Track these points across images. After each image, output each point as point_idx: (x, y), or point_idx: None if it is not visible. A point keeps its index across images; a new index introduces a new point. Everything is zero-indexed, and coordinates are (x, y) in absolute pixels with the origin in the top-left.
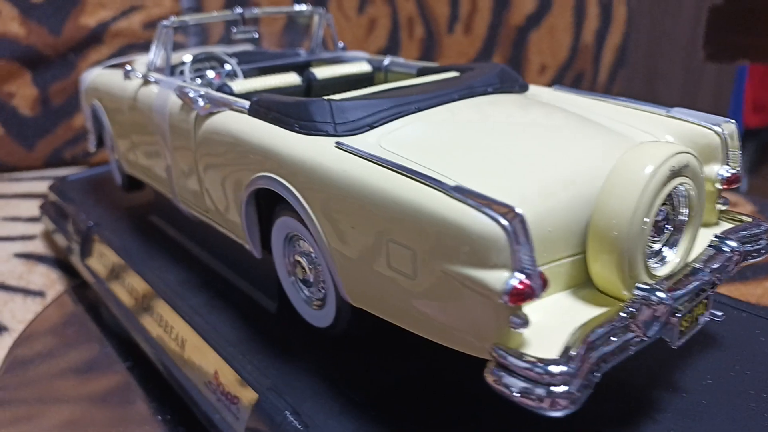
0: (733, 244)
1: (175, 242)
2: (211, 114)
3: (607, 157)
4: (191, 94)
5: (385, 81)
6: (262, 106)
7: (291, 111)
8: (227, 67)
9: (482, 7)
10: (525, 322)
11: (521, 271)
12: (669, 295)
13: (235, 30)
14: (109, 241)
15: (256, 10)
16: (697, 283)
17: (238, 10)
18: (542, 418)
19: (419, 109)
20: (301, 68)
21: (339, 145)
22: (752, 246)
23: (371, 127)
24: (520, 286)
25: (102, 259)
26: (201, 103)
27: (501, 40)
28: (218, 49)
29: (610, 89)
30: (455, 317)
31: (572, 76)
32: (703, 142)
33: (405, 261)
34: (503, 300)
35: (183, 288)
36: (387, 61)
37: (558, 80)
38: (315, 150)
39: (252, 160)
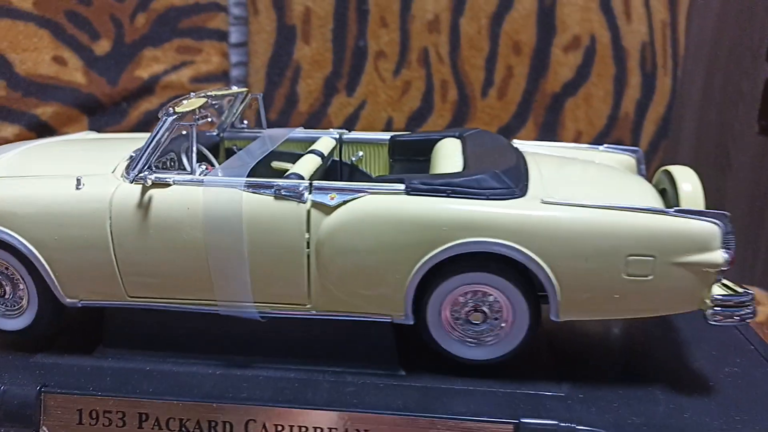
0: None
1: (196, 362)
2: (344, 203)
3: (642, 180)
4: (291, 187)
5: (339, 152)
6: (429, 185)
7: (473, 185)
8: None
9: (518, 73)
10: (721, 278)
11: (727, 248)
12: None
13: (196, 116)
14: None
15: (210, 94)
16: None
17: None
18: None
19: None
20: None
21: (546, 201)
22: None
23: (527, 187)
24: (731, 258)
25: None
26: (304, 193)
27: (536, 105)
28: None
29: (652, 158)
30: (680, 291)
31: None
32: (627, 163)
33: (644, 266)
34: (724, 268)
35: (288, 397)
36: (336, 134)
37: None
38: (530, 209)
39: (437, 234)
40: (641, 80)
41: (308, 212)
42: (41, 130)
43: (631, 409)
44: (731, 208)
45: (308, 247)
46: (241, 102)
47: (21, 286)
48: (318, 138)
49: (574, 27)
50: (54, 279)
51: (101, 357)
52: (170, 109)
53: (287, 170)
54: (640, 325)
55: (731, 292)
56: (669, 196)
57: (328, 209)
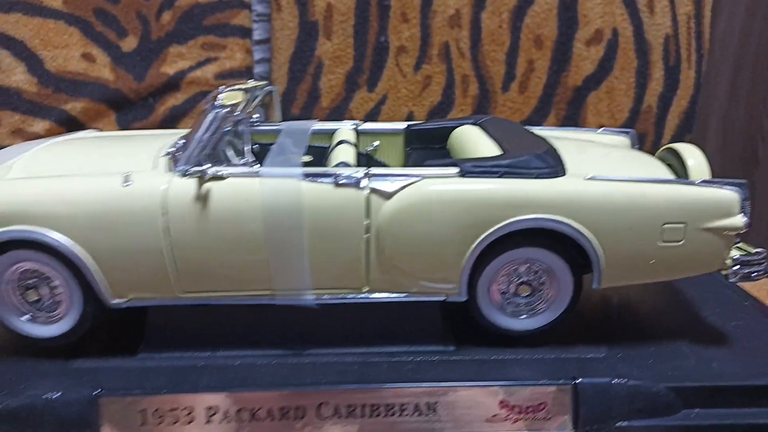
0: None
1: (262, 356)
2: (403, 188)
3: (652, 157)
4: (350, 175)
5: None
6: (481, 167)
7: (522, 165)
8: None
9: (540, 67)
10: (739, 240)
11: (744, 213)
12: None
13: (244, 109)
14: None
15: (240, 87)
16: None
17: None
18: None
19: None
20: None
21: (589, 178)
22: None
23: (565, 166)
24: (749, 220)
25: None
26: (363, 180)
27: (557, 99)
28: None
29: None
30: (706, 253)
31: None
32: (624, 143)
33: (677, 233)
34: (743, 231)
35: (353, 378)
36: (351, 125)
37: None
38: (578, 186)
39: (495, 213)
40: (664, 74)
41: (367, 198)
42: (71, 125)
43: (665, 363)
44: (760, 205)
45: (367, 232)
46: (260, 97)
47: (59, 290)
48: (336, 129)
49: (597, 20)
50: (102, 280)
51: (146, 358)
52: (219, 102)
53: (305, 162)
54: (645, 290)
55: (746, 253)
56: (676, 170)
57: (386, 194)
